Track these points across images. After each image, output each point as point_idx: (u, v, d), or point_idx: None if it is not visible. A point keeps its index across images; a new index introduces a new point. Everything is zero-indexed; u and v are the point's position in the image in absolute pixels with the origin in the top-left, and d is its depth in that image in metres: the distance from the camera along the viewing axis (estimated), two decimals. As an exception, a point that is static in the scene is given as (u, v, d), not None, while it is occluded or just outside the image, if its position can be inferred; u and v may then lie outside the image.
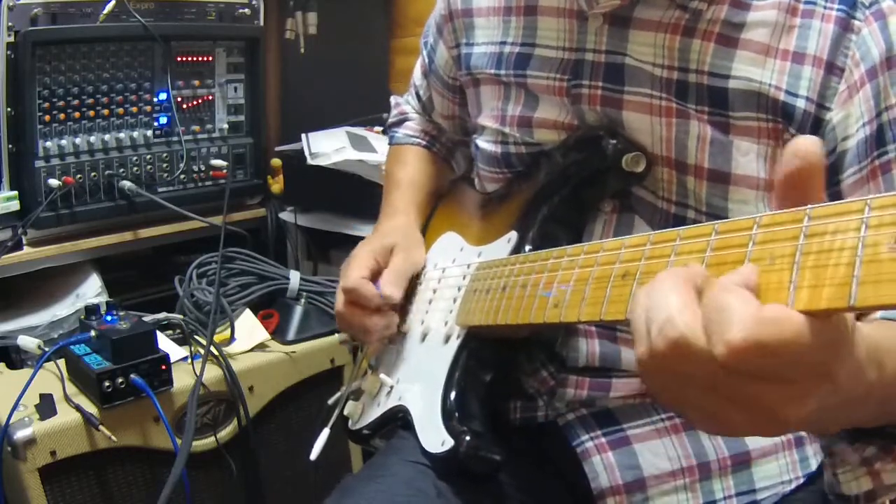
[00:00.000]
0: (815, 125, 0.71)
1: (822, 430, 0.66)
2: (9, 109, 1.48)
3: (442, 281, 0.94)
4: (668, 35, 0.75)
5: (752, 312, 0.40)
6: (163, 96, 1.70)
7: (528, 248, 0.83)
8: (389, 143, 1.22)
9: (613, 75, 0.79)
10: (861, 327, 0.48)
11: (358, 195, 1.74)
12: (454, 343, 0.85)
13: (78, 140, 1.58)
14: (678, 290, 0.44)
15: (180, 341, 1.40)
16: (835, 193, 0.73)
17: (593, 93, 0.80)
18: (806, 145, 0.42)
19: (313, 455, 0.95)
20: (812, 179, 0.42)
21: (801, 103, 0.71)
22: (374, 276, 0.95)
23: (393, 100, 1.25)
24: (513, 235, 0.85)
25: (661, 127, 0.76)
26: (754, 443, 0.80)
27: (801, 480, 0.82)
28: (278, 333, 1.50)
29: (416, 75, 1.16)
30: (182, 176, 1.74)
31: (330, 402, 1.03)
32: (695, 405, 0.46)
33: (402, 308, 0.97)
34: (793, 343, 0.39)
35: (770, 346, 0.39)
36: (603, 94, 0.79)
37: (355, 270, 0.94)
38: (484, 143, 0.93)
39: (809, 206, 0.40)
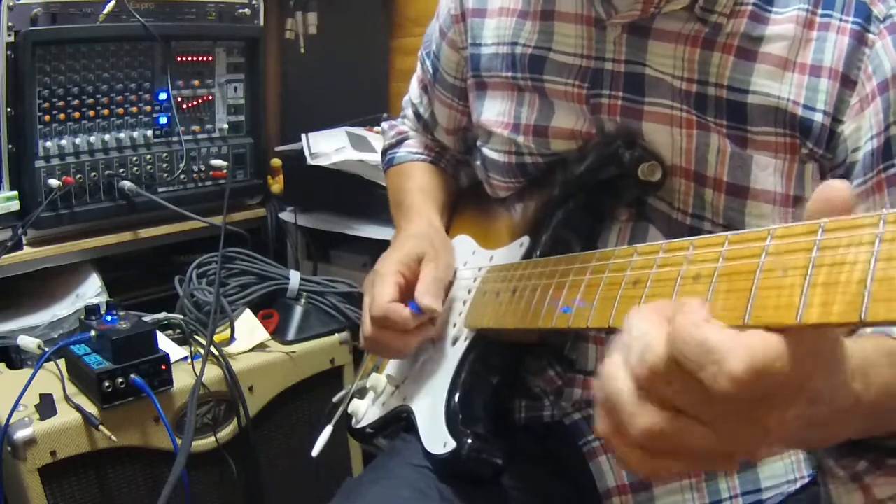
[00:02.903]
0: (830, 138, 0.71)
1: (816, 444, 0.66)
2: (9, 109, 1.48)
3: (453, 283, 0.94)
4: (688, 47, 0.74)
5: (740, 341, 0.41)
6: (163, 96, 1.70)
7: (539, 252, 0.83)
8: (389, 166, 1.15)
9: (633, 86, 0.78)
10: (846, 342, 0.49)
11: (358, 195, 1.74)
12: (461, 345, 0.85)
13: (78, 140, 1.58)
14: (651, 318, 0.46)
15: (180, 341, 1.40)
16: None
17: (613, 103, 0.79)
18: (835, 190, 0.43)
19: (315, 451, 0.95)
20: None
21: (818, 117, 0.71)
22: (404, 292, 0.88)
23: (385, 124, 1.20)
24: (525, 240, 0.85)
25: (682, 138, 0.76)
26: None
27: (807, 480, 0.82)
28: (278, 333, 1.50)
29: (414, 93, 1.13)
30: (182, 176, 1.74)
31: (335, 399, 1.03)
32: (687, 446, 0.45)
33: None
34: (781, 362, 0.41)
35: (767, 369, 0.40)
36: (623, 104, 0.79)
37: (382, 293, 0.87)
38: (494, 153, 0.91)
39: (824, 219, 0.40)
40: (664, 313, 0.46)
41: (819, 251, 0.39)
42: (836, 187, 0.43)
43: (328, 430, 0.96)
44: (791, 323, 0.39)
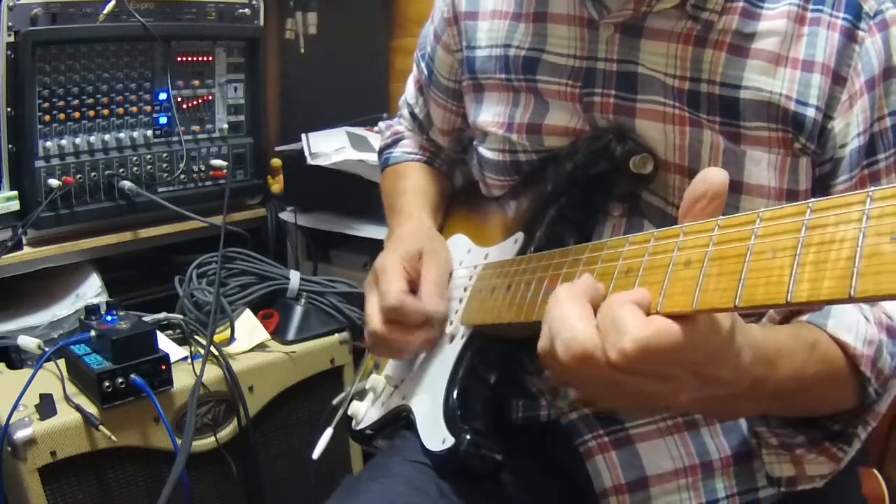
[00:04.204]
0: (821, 134, 0.72)
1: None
2: (9, 109, 1.48)
3: (449, 282, 0.94)
4: (681, 45, 0.75)
5: (641, 324, 0.49)
6: (163, 96, 1.71)
7: (534, 248, 0.82)
8: (385, 165, 1.16)
9: (626, 84, 0.78)
10: (753, 329, 0.58)
11: (358, 195, 1.74)
12: (459, 342, 0.85)
13: (78, 140, 1.58)
14: (576, 302, 0.54)
15: (180, 341, 1.40)
16: None
17: (605, 101, 0.80)
18: (713, 175, 0.52)
19: (315, 454, 0.95)
20: (714, 202, 0.52)
21: (811, 112, 0.71)
22: (411, 288, 0.88)
23: (382, 124, 1.21)
24: (519, 236, 0.85)
25: (675, 135, 0.76)
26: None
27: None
28: (278, 333, 1.50)
29: (410, 94, 1.13)
30: (182, 176, 1.74)
31: (335, 402, 1.02)
32: (598, 393, 0.57)
33: None
34: (671, 348, 0.48)
35: (653, 350, 0.48)
36: (616, 102, 0.79)
37: (394, 286, 0.86)
38: (489, 152, 0.91)
39: (812, 199, 0.40)
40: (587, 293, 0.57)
41: (807, 231, 0.39)
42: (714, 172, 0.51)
43: (328, 432, 0.96)
44: (781, 302, 0.39)
